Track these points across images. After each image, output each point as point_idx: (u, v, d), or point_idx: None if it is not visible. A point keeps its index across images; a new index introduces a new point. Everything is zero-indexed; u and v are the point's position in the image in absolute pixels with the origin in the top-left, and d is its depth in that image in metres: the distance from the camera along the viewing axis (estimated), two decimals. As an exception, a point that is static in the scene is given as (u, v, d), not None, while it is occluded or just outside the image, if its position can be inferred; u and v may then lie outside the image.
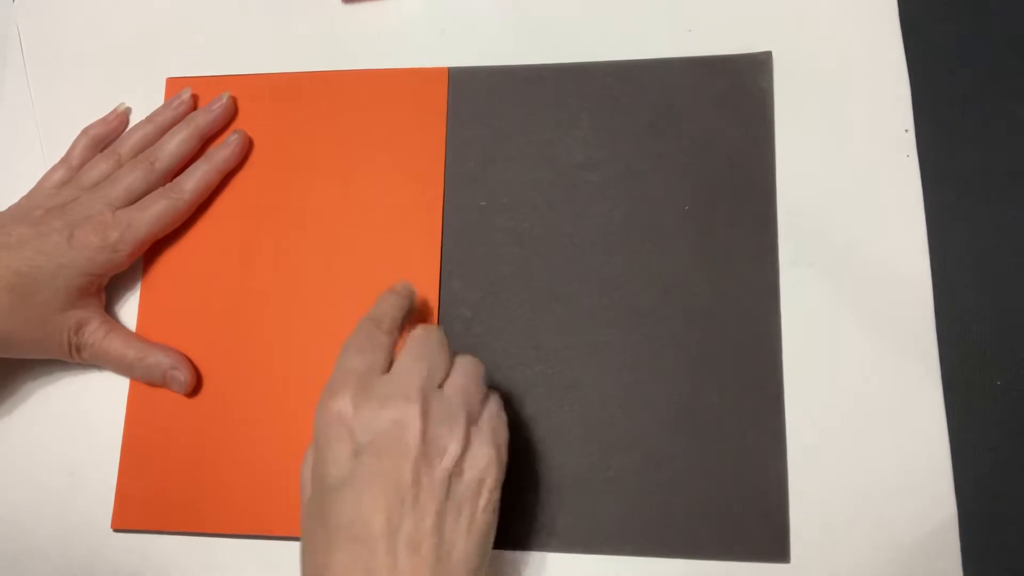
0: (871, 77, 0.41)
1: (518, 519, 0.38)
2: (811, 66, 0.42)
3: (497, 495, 0.34)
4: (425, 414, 0.32)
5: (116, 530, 0.41)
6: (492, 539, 0.34)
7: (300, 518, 0.34)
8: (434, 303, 0.41)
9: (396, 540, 0.31)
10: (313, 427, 0.34)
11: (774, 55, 0.42)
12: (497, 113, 0.44)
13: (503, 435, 0.35)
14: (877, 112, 0.41)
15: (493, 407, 0.35)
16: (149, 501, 0.41)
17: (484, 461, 0.33)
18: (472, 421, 0.34)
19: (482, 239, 0.42)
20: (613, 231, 0.41)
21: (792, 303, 0.39)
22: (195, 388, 0.42)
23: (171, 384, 0.41)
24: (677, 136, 0.42)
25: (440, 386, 0.34)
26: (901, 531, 0.36)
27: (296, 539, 0.39)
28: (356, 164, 0.44)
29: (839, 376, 0.38)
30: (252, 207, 0.44)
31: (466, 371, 0.35)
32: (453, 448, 0.32)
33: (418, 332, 0.35)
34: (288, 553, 0.40)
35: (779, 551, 0.37)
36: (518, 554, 0.38)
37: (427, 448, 0.32)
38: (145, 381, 0.42)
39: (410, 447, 0.32)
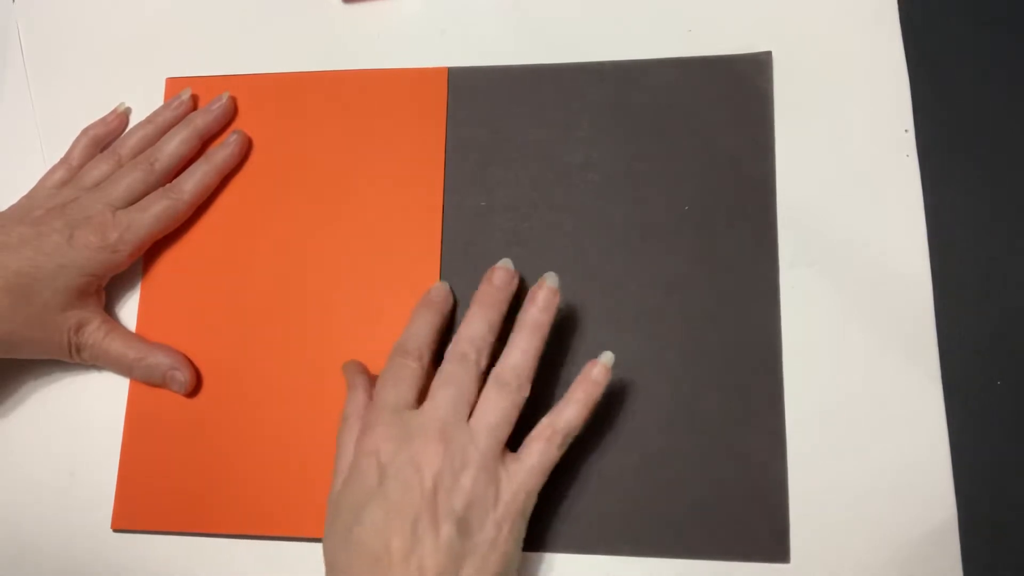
0: (871, 77, 0.41)
1: (518, 519, 0.39)
2: (811, 66, 0.42)
3: (514, 534, 0.34)
4: (444, 452, 0.33)
5: (116, 530, 0.41)
6: (511, 571, 0.34)
7: (323, 547, 0.35)
8: (434, 303, 0.41)
9: (409, 564, 0.32)
10: (337, 455, 0.36)
11: (774, 55, 0.42)
12: (497, 113, 0.44)
13: (530, 483, 0.34)
14: (877, 112, 0.41)
15: (532, 459, 0.35)
16: (149, 501, 0.41)
17: (501, 506, 0.34)
18: (496, 458, 0.34)
19: (482, 239, 0.42)
20: (613, 231, 0.41)
21: (792, 303, 0.39)
22: (195, 388, 0.42)
23: (171, 384, 0.41)
24: (677, 136, 0.42)
25: (470, 417, 0.35)
26: (901, 531, 0.36)
27: (296, 539, 0.40)
28: (356, 164, 0.44)
29: (839, 376, 0.38)
30: (252, 207, 0.44)
31: (496, 409, 0.35)
32: (467, 486, 0.33)
33: (446, 367, 0.36)
34: (288, 553, 0.40)
35: (779, 551, 0.37)
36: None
37: (440, 487, 0.33)
38: (145, 381, 0.42)
39: (426, 484, 0.33)
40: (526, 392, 0.36)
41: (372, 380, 0.39)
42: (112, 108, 0.46)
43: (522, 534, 0.35)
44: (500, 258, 0.41)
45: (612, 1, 0.44)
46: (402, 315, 0.41)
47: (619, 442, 0.39)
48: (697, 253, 0.40)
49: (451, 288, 0.40)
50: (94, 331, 0.41)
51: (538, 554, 0.38)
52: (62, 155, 0.45)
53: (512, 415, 0.35)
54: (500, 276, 0.38)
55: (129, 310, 0.44)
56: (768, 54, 0.42)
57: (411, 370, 0.36)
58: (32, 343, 0.40)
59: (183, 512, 0.40)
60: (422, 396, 0.36)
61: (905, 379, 0.38)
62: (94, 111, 0.46)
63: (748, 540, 0.37)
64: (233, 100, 0.45)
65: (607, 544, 0.38)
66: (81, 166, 0.44)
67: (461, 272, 0.42)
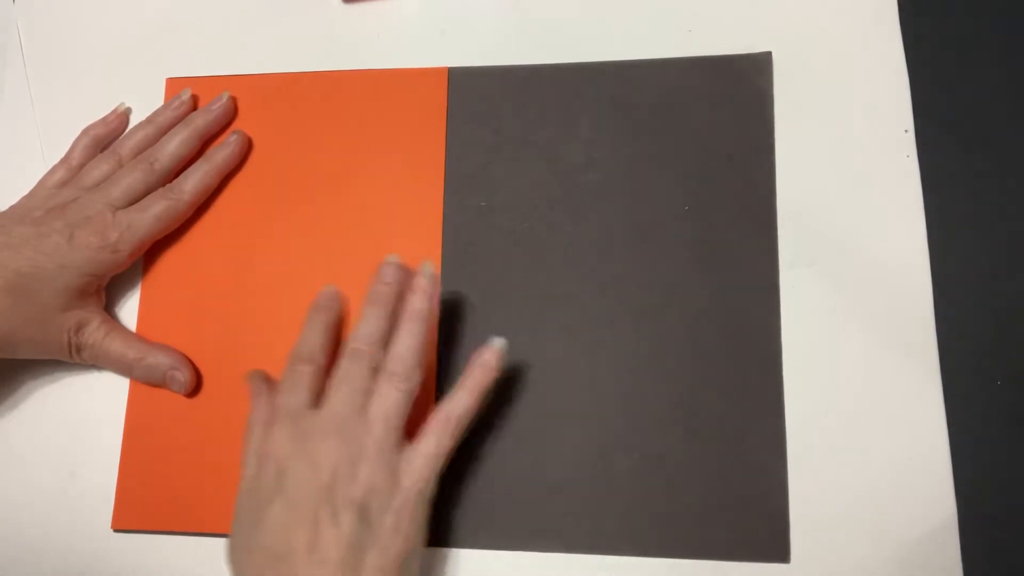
0: (871, 77, 0.41)
1: (518, 519, 0.38)
2: (811, 66, 0.42)
3: (415, 520, 0.35)
4: (340, 446, 0.34)
5: (116, 530, 0.41)
6: (412, 563, 0.35)
7: (228, 555, 0.35)
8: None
9: (312, 558, 0.32)
10: (243, 457, 0.37)
11: (774, 55, 0.42)
12: (497, 113, 0.44)
13: (426, 470, 0.35)
14: (877, 112, 0.41)
15: (428, 446, 0.35)
16: (149, 501, 0.41)
17: (400, 493, 0.34)
18: (392, 448, 0.35)
19: (482, 239, 0.42)
20: (613, 231, 0.41)
21: (792, 303, 0.39)
22: (195, 388, 0.42)
23: (171, 384, 0.41)
24: (677, 136, 0.42)
25: (367, 409, 0.36)
26: (901, 531, 0.36)
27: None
28: (356, 164, 0.44)
29: (839, 376, 0.38)
30: (252, 207, 0.44)
31: (389, 401, 0.36)
32: (363, 478, 0.34)
33: (343, 363, 0.37)
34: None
35: (779, 551, 0.37)
36: (518, 555, 0.38)
37: (338, 479, 0.34)
38: (145, 381, 0.42)
39: (324, 479, 0.34)
40: (416, 379, 0.36)
41: (274, 387, 0.39)
42: (112, 108, 0.46)
43: (424, 520, 0.35)
44: (500, 258, 0.41)
45: (612, 1, 0.44)
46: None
47: (619, 442, 0.39)
48: (697, 253, 0.40)
49: (339, 291, 0.40)
50: (94, 331, 0.41)
51: (539, 554, 0.38)
52: (62, 155, 0.45)
53: (404, 403, 0.36)
54: (389, 272, 0.38)
55: (129, 310, 0.44)
56: (768, 54, 0.42)
57: (305, 374, 0.37)
58: (32, 343, 0.40)
59: (183, 512, 0.40)
60: (321, 398, 0.37)
61: (905, 379, 0.38)
62: (94, 111, 0.46)
63: (748, 540, 0.37)
64: (233, 100, 0.45)
65: (607, 544, 0.38)
66: (81, 166, 0.44)
67: (461, 272, 0.42)
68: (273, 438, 0.36)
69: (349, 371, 0.36)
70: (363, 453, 0.34)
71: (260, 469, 0.35)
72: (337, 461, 0.34)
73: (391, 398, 0.36)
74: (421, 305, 0.37)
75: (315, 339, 0.38)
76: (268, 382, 0.39)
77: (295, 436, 0.35)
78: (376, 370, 0.36)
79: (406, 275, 0.39)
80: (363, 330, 0.37)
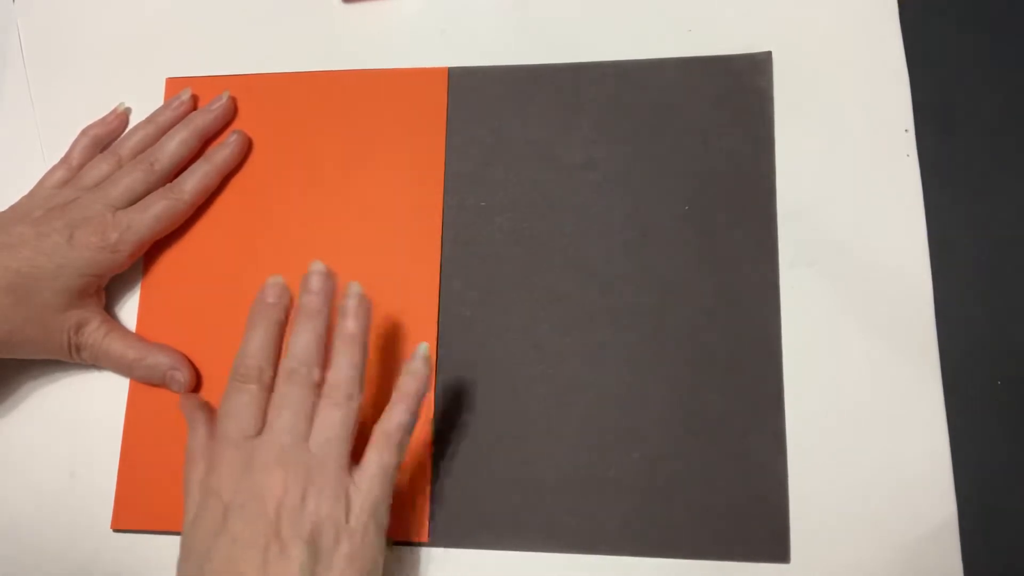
0: (871, 77, 0.41)
1: (518, 519, 0.38)
2: (811, 66, 0.42)
3: (371, 543, 0.34)
4: (285, 477, 0.33)
5: (116, 530, 0.41)
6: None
7: None
8: (434, 303, 0.41)
9: None
10: (185, 492, 0.36)
11: (774, 55, 0.42)
12: (497, 113, 0.44)
13: (376, 491, 0.34)
14: (877, 112, 0.41)
15: (372, 466, 0.35)
16: (149, 501, 0.41)
17: (352, 517, 0.34)
18: (339, 472, 0.34)
19: (482, 239, 0.42)
20: (613, 231, 0.41)
21: (792, 303, 0.39)
22: (195, 388, 0.42)
23: (171, 384, 0.41)
24: (677, 136, 0.42)
25: (311, 434, 0.35)
26: (902, 531, 0.36)
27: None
28: (356, 164, 0.44)
29: (839, 376, 0.38)
30: (252, 207, 0.44)
31: (332, 425, 0.35)
32: (312, 507, 0.33)
33: (282, 386, 0.35)
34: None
35: (779, 551, 0.37)
36: (518, 555, 0.38)
37: (284, 512, 0.33)
38: (145, 381, 0.42)
39: (270, 514, 0.33)
40: (357, 401, 0.35)
41: (212, 413, 0.38)
42: (112, 108, 0.46)
43: (381, 540, 0.34)
44: (500, 257, 0.41)
45: (612, 1, 0.44)
46: (402, 315, 0.41)
47: (619, 442, 0.39)
48: (697, 253, 0.40)
49: (284, 282, 0.37)
50: (94, 331, 0.41)
51: (539, 554, 0.38)
52: (62, 155, 0.45)
53: (348, 426, 0.35)
54: (315, 281, 0.37)
55: (129, 310, 0.44)
56: (768, 54, 0.42)
57: (250, 395, 0.35)
58: (32, 343, 0.40)
59: (183, 512, 0.40)
60: (265, 418, 0.35)
61: (905, 379, 0.38)
62: (94, 111, 0.46)
63: (748, 540, 0.37)
64: (233, 100, 0.45)
65: (607, 544, 0.38)
66: (81, 166, 0.44)
67: (461, 272, 0.42)
68: (218, 472, 0.34)
69: (288, 395, 0.35)
70: (310, 482, 0.33)
71: (205, 503, 0.34)
72: (283, 494, 0.33)
73: (334, 423, 0.35)
74: (355, 327, 0.36)
75: (260, 348, 0.36)
76: (204, 409, 0.38)
77: (239, 469, 0.34)
78: (316, 386, 0.35)
79: (333, 282, 0.37)
80: (298, 346, 0.36)
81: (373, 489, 0.34)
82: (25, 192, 0.44)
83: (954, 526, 0.36)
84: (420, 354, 0.37)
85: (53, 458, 0.42)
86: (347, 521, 0.33)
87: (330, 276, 0.37)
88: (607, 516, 0.38)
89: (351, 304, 0.37)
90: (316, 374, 0.36)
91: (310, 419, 0.35)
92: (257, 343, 0.36)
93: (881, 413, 0.38)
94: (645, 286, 0.40)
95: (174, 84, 0.47)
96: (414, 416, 0.36)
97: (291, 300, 0.37)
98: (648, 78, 0.43)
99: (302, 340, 0.36)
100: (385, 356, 0.41)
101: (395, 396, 0.36)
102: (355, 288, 0.37)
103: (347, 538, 0.33)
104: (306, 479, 0.34)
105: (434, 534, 0.39)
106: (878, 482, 0.37)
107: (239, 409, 0.35)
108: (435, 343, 0.41)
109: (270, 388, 0.36)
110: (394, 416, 0.36)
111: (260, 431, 0.35)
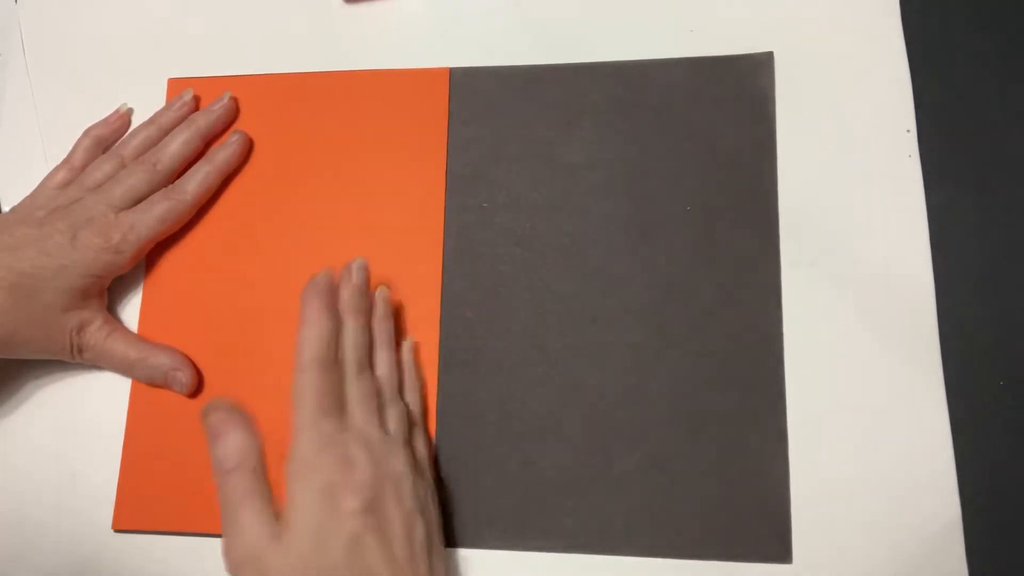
0: (873, 77, 0.41)
1: (518, 519, 0.38)
2: (813, 67, 0.42)
3: (437, 515, 0.37)
4: (400, 462, 0.36)
5: (117, 530, 0.41)
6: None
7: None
8: (436, 304, 0.41)
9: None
10: (300, 485, 0.34)
11: (776, 56, 0.42)
12: (498, 113, 0.44)
13: (431, 473, 0.38)
14: (879, 113, 0.41)
15: (423, 451, 0.38)
16: (150, 501, 0.41)
17: (427, 489, 0.37)
18: (408, 462, 0.36)
19: (484, 240, 0.42)
20: (615, 231, 0.41)
21: (794, 303, 0.39)
22: (196, 389, 0.42)
23: (172, 385, 0.41)
24: (678, 136, 0.42)
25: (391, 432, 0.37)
26: (905, 531, 0.36)
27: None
28: (357, 164, 0.44)
29: (841, 376, 0.38)
30: (254, 208, 0.44)
31: (398, 417, 0.37)
32: (411, 492, 0.35)
33: (355, 381, 0.37)
34: (289, 553, 0.39)
35: (781, 552, 0.37)
36: (519, 555, 0.38)
37: (405, 489, 0.35)
38: (146, 382, 0.42)
39: (395, 496, 0.34)
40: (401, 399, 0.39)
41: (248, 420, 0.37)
42: (114, 109, 0.46)
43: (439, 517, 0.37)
44: (502, 258, 0.41)
45: (614, 1, 0.44)
46: (403, 316, 0.41)
47: (620, 442, 0.39)
48: (698, 253, 0.40)
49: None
50: (96, 331, 0.41)
51: (539, 554, 0.38)
52: (64, 156, 0.45)
53: (405, 418, 0.38)
54: (357, 276, 0.39)
55: (131, 310, 0.44)
56: (770, 54, 0.42)
57: (367, 380, 0.38)
58: (34, 343, 0.40)
59: (184, 512, 0.40)
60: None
61: (907, 379, 0.38)
62: (96, 112, 0.46)
63: (750, 540, 0.37)
64: (235, 100, 0.45)
65: (608, 544, 0.38)
66: (83, 167, 0.44)
67: (463, 272, 0.42)
68: (356, 466, 0.34)
69: (366, 388, 0.37)
70: (409, 467, 0.36)
71: (334, 505, 0.33)
72: (401, 476, 0.35)
73: (400, 416, 0.37)
74: (388, 325, 0.40)
75: (356, 337, 0.38)
76: (243, 421, 0.36)
77: (372, 460, 0.35)
78: (373, 375, 0.38)
79: (369, 280, 0.40)
80: (359, 341, 0.38)
81: (429, 473, 0.38)
82: (28, 193, 0.44)
83: (958, 526, 0.36)
84: (406, 347, 0.40)
85: (54, 458, 0.42)
86: (427, 496, 0.36)
87: (368, 272, 0.40)
88: (608, 516, 0.38)
89: (381, 311, 0.40)
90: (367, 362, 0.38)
91: (380, 411, 0.37)
92: (327, 335, 0.37)
93: (883, 413, 0.38)
94: (647, 286, 0.40)
95: (176, 85, 0.47)
96: (424, 402, 0.40)
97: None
98: (650, 78, 0.43)
99: (359, 336, 0.38)
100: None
101: (404, 388, 0.39)
102: (382, 294, 0.40)
103: (430, 510, 0.36)
104: (407, 464, 0.36)
105: (435, 534, 0.39)
106: (881, 482, 0.37)
107: (334, 400, 0.36)
108: (437, 343, 0.41)
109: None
110: (413, 403, 0.39)
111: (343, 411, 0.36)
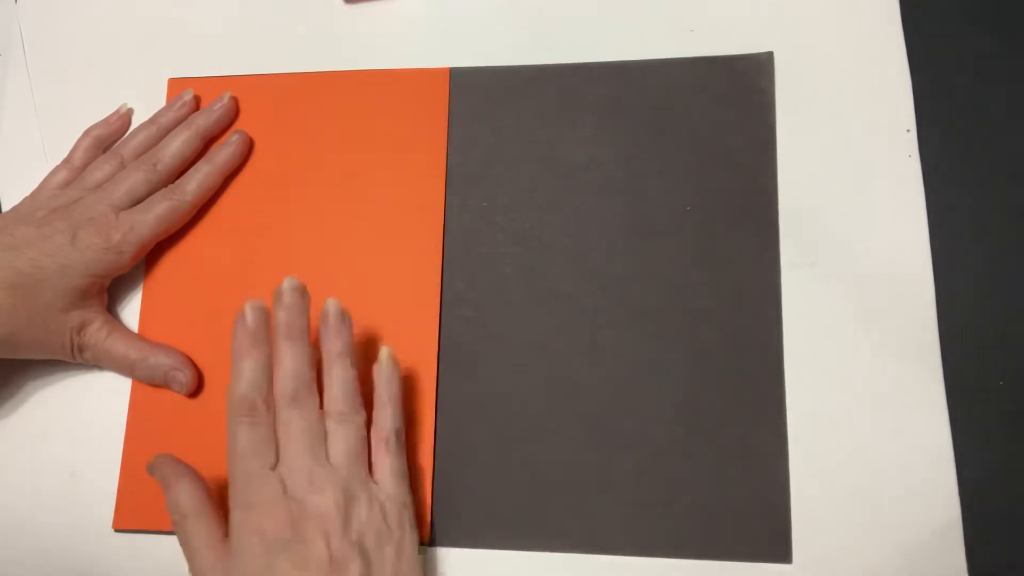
0: (873, 77, 0.41)
1: (519, 519, 0.38)
2: (813, 66, 0.42)
3: (408, 547, 0.35)
4: (326, 498, 0.34)
5: (117, 530, 0.41)
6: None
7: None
8: (436, 304, 0.41)
9: None
10: (242, 534, 0.34)
11: (776, 55, 0.42)
12: (499, 113, 0.44)
13: (401, 492, 0.36)
14: (879, 112, 0.41)
15: (386, 469, 0.36)
16: (151, 501, 0.41)
17: (390, 516, 0.35)
18: (365, 483, 0.36)
19: (484, 239, 0.42)
20: (615, 231, 0.41)
21: (794, 303, 0.39)
22: (197, 389, 0.42)
23: (173, 385, 0.41)
24: (679, 136, 0.42)
25: (328, 456, 0.36)
26: (904, 531, 0.36)
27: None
28: (358, 164, 0.44)
29: (841, 376, 0.38)
30: (254, 208, 0.44)
31: (347, 440, 0.36)
32: (355, 520, 0.34)
33: (285, 412, 0.36)
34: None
35: (781, 551, 0.37)
36: (518, 555, 0.38)
37: (334, 528, 0.34)
38: (147, 382, 0.42)
39: (318, 534, 0.33)
40: (363, 413, 0.37)
41: (186, 467, 0.38)
42: (114, 109, 0.46)
43: (416, 538, 0.36)
44: (502, 258, 0.41)
45: (614, 1, 0.44)
46: (403, 316, 0.41)
47: (620, 442, 0.39)
48: (698, 253, 0.40)
49: (263, 304, 0.37)
50: (96, 331, 0.41)
51: (539, 554, 0.38)
52: (65, 156, 0.45)
53: (361, 438, 0.36)
54: (288, 298, 0.37)
55: (131, 310, 0.44)
56: (770, 54, 0.42)
57: (264, 427, 0.36)
58: (34, 343, 0.40)
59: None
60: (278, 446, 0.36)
61: (907, 379, 0.38)
62: (96, 112, 0.46)
63: (749, 540, 0.37)
64: (235, 100, 0.45)
65: (608, 544, 0.38)
66: (84, 167, 0.44)
67: (463, 273, 0.42)
68: (257, 509, 0.34)
69: (298, 418, 0.36)
70: (348, 497, 0.34)
71: (248, 541, 0.34)
72: (328, 513, 0.34)
73: (349, 436, 0.36)
74: (340, 344, 0.37)
75: (254, 379, 0.36)
76: (179, 464, 0.37)
77: (279, 501, 0.34)
78: (318, 406, 0.36)
79: (307, 297, 0.38)
80: (291, 369, 0.36)
81: (397, 491, 0.36)
82: (28, 193, 0.44)
83: (958, 526, 0.36)
84: (384, 357, 0.38)
85: (54, 458, 0.42)
86: (386, 525, 0.35)
87: (304, 292, 0.38)
88: (608, 516, 0.38)
89: (333, 323, 0.37)
90: (316, 393, 0.36)
91: (323, 438, 0.36)
92: (250, 374, 0.36)
93: (883, 413, 0.38)
94: (646, 286, 0.40)
95: (176, 85, 0.47)
96: (401, 412, 0.38)
97: (270, 317, 0.38)
98: (650, 78, 0.43)
99: (294, 364, 0.36)
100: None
101: (378, 403, 0.37)
102: (334, 306, 0.38)
103: (389, 540, 0.35)
104: (344, 494, 0.34)
105: (435, 534, 0.39)
106: (880, 482, 0.37)
107: (256, 444, 0.35)
108: (437, 343, 0.41)
109: (273, 414, 0.36)
110: (387, 423, 0.37)
111: (277, 460, 0.35)
